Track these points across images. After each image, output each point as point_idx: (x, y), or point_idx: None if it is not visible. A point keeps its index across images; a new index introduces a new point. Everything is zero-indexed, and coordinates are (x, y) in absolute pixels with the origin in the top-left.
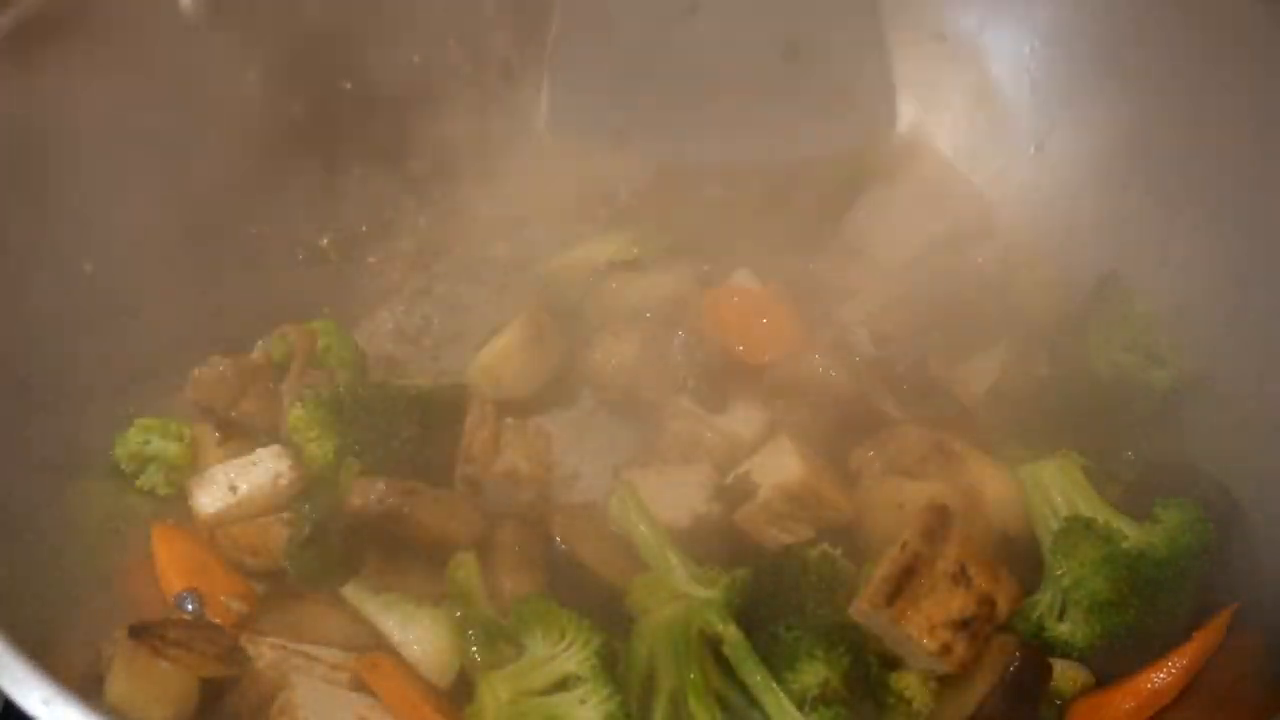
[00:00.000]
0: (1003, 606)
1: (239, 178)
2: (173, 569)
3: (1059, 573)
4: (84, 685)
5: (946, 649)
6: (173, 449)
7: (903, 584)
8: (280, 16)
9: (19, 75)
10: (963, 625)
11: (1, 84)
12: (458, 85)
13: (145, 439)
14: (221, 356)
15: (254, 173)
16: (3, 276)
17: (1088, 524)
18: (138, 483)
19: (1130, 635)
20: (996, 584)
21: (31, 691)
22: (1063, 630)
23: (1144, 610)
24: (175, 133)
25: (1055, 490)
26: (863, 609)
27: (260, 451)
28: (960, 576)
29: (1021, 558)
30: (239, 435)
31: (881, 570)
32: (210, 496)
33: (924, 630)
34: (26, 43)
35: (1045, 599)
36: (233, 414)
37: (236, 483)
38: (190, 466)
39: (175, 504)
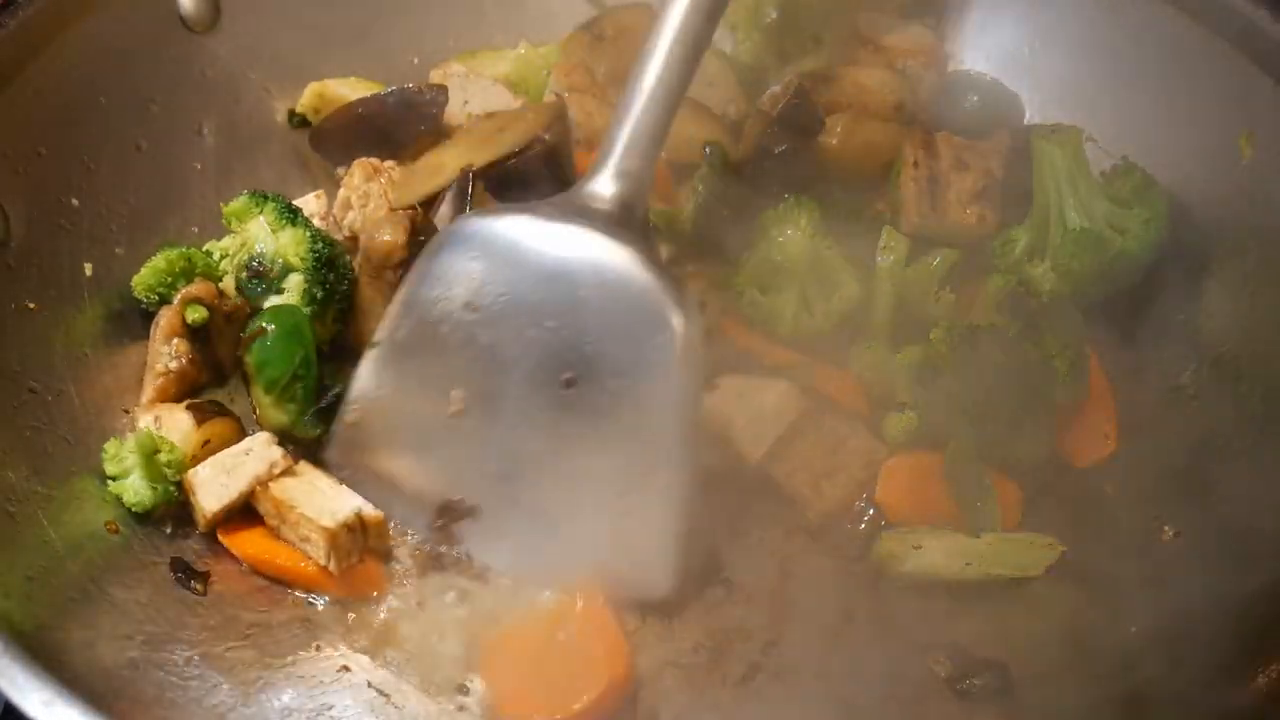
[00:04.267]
0: (997, 171)
1: None
2: None
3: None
4: (84, 686)
5: (981, 217)
6: (150, 463)
7: (931, 191)
8: None
9: None
10: (981, 194)
11: None
12: None
13: (121, 460)
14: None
15: None
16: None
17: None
18: (125, 500)
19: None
20: (989, 155)
21: (32, 694)
22: (1037, 272)
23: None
24: None
25: (1059, 158)
26: (914, 221)
27: (249, 441)
28: (959, 163)
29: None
30: (213, 414)
31: (909, 190)
32: (211, 494)
33: (960, 213)
34: None
35: (1024, 239)
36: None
37: (233, 475)
38: (181, 464)
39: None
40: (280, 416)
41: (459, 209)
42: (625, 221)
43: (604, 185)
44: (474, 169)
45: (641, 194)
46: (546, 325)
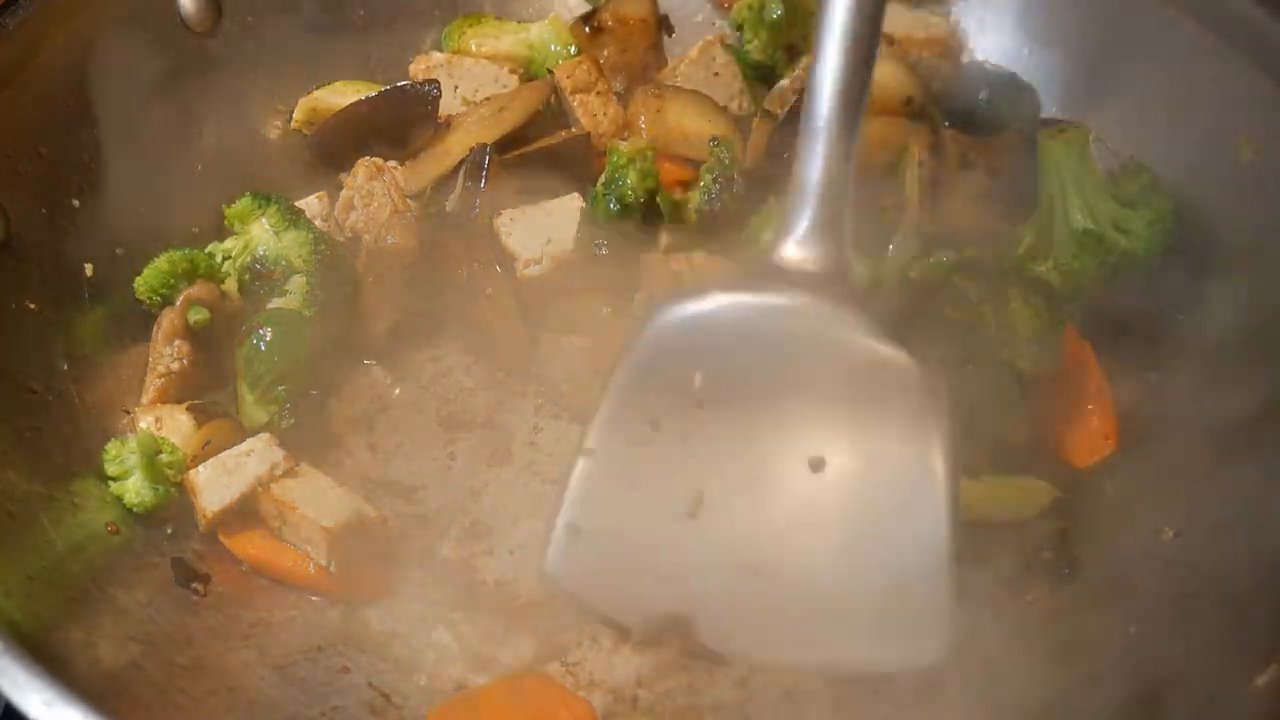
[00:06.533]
0: (1003, 171)
1: None
2: None
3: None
4: (85, 686)
5: (983, 219)
6: (151, 464)
7: (934, 190)
8: None
9: None
10: (986, 194)
11: None
12: None
13: (122, 461)
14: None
15: None
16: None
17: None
18: (126, 501)
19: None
20: (996, 154)
21: (32, 694)
22: (1040, 270)
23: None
24: None
25: (1065, 157)
26: (916, 221)
27: (250, 442)
28: (965, 162)
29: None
30: (214, 415)
31: (912, 190)
32: (212, 495)
33: (962, 214)
34: None
35: (1028, 238)
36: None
37: (234, 476)
38: (181, 464)
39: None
40: (260, 415)
41: (475, 185)
42: (842, 280)
43: (810, 242)
44: (486, 148)
45: (846, 242)
46: (785, 408)
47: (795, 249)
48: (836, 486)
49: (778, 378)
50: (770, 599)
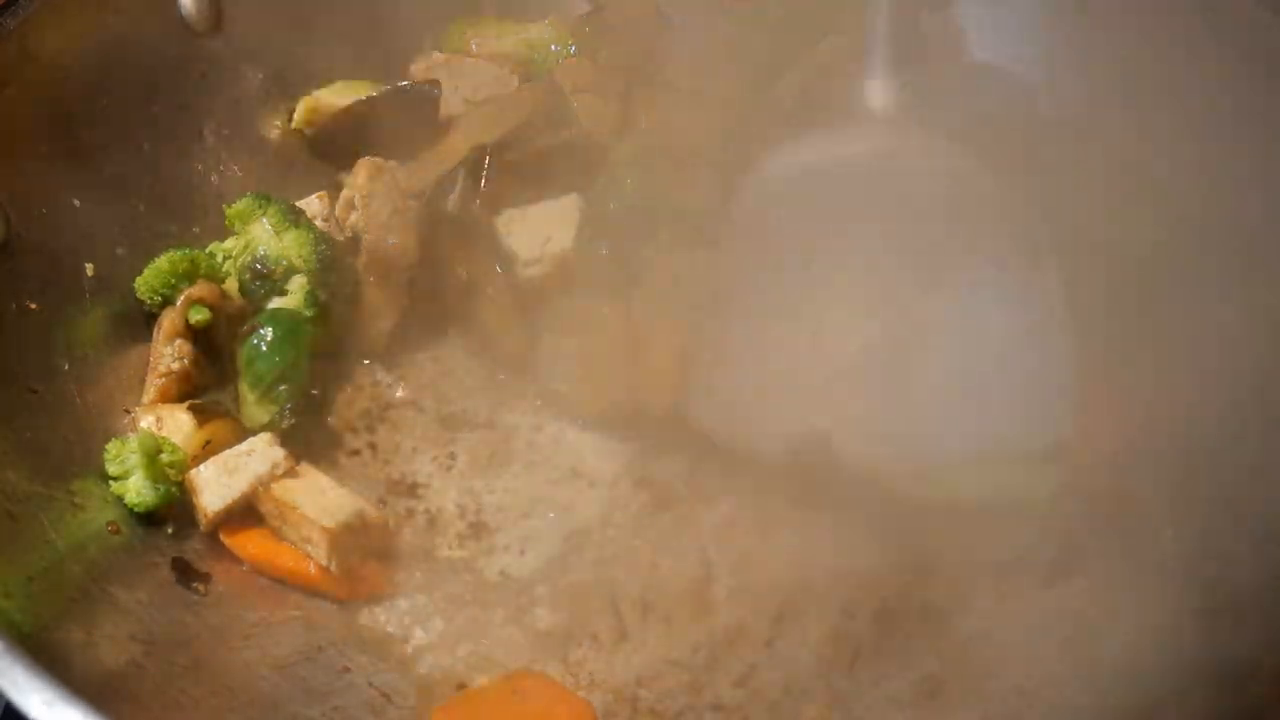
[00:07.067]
0: None
1: None
2: None
3: None
4: (85, 687)
5: None
6: (152, 464)
7: None
8: None
9: None
10: None
11: None
12: None
13: (123, 460)
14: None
15: None
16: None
17: None
18: (127, 500)
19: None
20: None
21: (33, 694)
22: None
23: None
24: None
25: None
26: None
27: (251, 441)
28: None
29: None
30: (214, 415)
31: None
32: (213, 494)
33: None
34: None
35: None
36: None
37: (235, 476)
38: (182, 464)
39: None
40: (261, 415)
41: (475, 185)
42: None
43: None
44: (486, 148)
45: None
46: (894, 240)
47: (876, 93)
48: (952, 299)
49: (881, 213)
50: (900, 406)
